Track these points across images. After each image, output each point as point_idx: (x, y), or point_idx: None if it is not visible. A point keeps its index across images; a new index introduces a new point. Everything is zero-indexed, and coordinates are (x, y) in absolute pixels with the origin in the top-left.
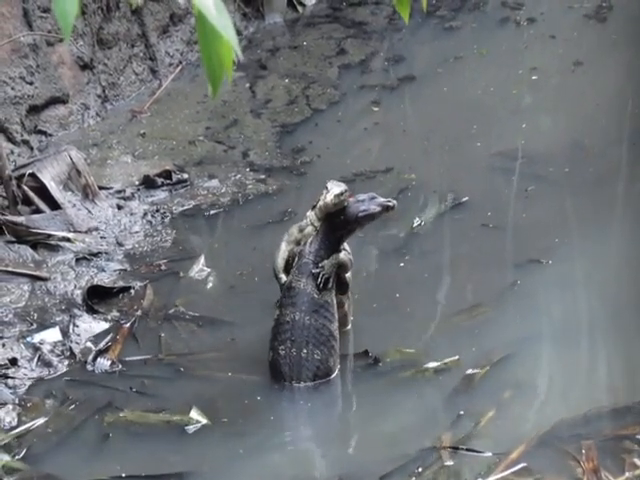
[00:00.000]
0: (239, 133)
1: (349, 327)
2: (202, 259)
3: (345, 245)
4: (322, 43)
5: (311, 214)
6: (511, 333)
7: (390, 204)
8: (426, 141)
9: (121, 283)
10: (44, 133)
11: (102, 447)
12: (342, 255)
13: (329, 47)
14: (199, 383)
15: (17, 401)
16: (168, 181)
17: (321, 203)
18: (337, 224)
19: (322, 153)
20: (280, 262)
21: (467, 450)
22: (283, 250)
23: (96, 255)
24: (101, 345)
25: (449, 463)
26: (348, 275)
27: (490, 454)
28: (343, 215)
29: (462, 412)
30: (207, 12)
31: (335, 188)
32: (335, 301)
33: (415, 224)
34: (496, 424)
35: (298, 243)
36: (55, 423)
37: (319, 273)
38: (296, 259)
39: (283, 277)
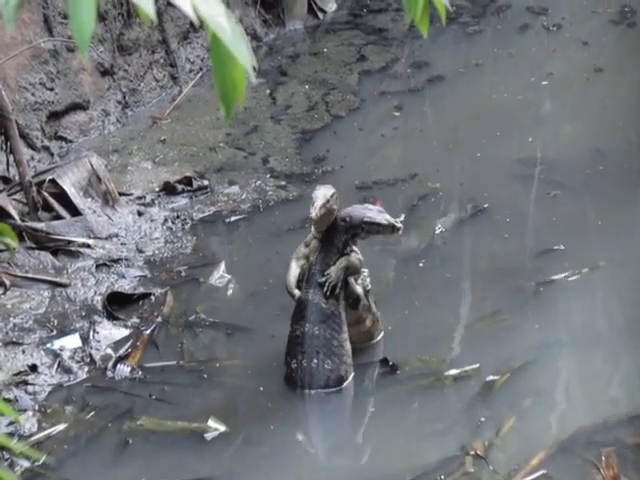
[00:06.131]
0: (259, 139)
1: (378, 339)
2: (222, 266)
3: (354, 247)
4: (342, 49)
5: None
6: (531, 341)
7: (398, 225)
8: (446, 147)
9: (141, 289)
10: (64, 139)
11: (122, 454)
12: (350, 257)
13: (349, 53)
14: (219, 390)
15: (37, 407)
16: (188, 187)
17: (310, 216)
18: (341, 227)
19: (342, 160)
20: (291, 279)
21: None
22: (293, 268)
23: (116, 261)
24: (121, 351)
25: (471, 470)
26: (359, 289)
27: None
28: (349, 217)
29: (483, 420)
30: (222, 34)
31: (319, 199)
32: (344, 312)
33: (437, 231)
34: (516, 431)
35: (308, 258)
36: (75, 429)
37: (326, 280)
38: (305, 274)
39: (296, 292)
